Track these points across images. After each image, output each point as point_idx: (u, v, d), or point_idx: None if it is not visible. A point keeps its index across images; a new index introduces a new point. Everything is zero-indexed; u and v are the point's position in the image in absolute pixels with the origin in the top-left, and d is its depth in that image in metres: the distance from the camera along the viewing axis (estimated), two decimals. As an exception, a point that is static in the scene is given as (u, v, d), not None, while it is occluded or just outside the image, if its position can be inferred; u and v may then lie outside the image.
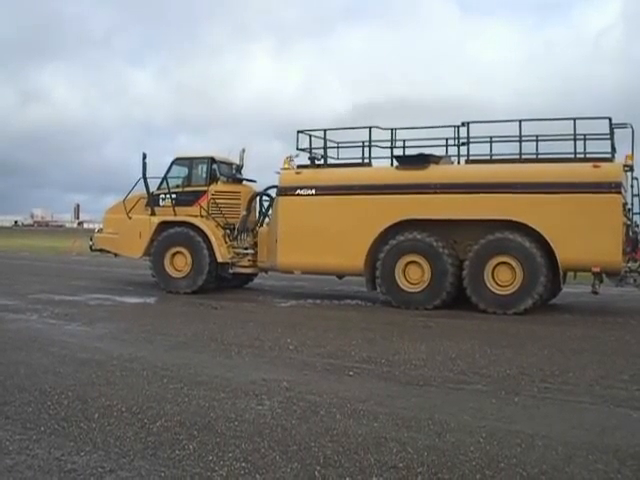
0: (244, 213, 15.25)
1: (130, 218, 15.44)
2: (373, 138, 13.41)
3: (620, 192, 11.39)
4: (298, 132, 13.99)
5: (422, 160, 12.78)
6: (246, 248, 15.04)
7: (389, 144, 13.51)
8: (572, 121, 11.85)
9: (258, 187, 16.10)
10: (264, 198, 15.81)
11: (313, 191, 13.43)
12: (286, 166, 14.07)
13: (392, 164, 13.37)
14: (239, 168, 16.08)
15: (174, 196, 15.27)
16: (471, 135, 12.82)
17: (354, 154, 14.02)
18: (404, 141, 13.59)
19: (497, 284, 11.96)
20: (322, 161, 14.05)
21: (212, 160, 15.41)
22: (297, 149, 14.09)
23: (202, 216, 15.07)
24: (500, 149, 13.02)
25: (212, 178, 15.32)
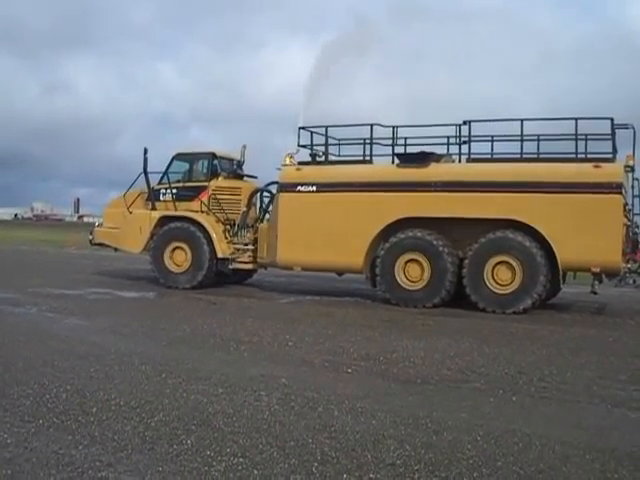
0: (244, 209, 15.24)
1: (130, 212, 15.44)
2: (374, 135, 13.41)
3: (621, 193, 11.39)
4: (299, 128, 13.99)
5: (423, 158, 12.77)
6: (246, 244, 15.04)
7: (390, 141, 13.51)
8: (574, 121, 11.84)
9: (261, 183, 16.11)
10: (265, 194, 15.81)
11: (314, 188, 13.41)
12: (287, 162, 14.07)
13: (393, 162, 13.36)
14: (240, 164, 16.09)
15: (175, 191, 15.27)
16: (472, 134, 12.81)
17: (355, 151, 14.03)
18: (405, 139, 13.54)
19: (497, 283, 11.95)
20: (323, 158, 14.04)
21: (213, 155, 15.41)
22: (298, 145, 14.09)
23: (203, 211, 15.07)
24: (501, 148, 13.02)
25: (213, 173, 15.32)
